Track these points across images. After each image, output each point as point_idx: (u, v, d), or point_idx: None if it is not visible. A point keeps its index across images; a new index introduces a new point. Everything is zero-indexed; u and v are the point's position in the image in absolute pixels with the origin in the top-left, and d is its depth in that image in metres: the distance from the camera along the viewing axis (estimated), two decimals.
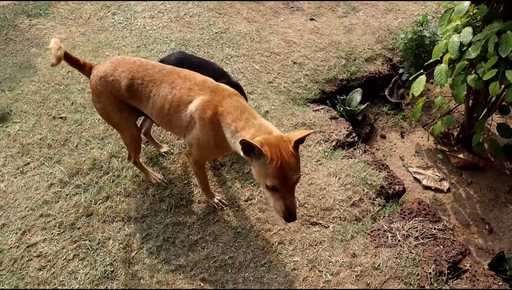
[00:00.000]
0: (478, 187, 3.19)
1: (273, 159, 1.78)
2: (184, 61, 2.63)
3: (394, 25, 4.12)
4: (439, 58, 2.64)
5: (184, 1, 4.47)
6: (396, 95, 3.73)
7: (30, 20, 4.38)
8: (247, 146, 1.81)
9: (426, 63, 2.88)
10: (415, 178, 3.24)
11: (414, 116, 3.13)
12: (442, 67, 2.58)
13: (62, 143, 3.10)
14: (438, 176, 3.22)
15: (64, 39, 4.08)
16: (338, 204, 2.70)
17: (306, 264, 2.42)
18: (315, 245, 2.51)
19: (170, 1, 4.48)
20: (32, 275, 2.42)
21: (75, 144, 3.07)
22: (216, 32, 4.04)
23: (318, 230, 2.58)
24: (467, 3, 2.37)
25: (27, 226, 2.64)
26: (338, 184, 2.80)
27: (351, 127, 3.19)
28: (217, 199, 2.66)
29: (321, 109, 3.33)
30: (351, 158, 2.99)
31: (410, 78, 2.96)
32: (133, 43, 3.96)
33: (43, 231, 2.61)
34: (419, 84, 2.73)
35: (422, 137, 3.53)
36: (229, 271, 2.40)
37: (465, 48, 2.41)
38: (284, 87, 3.47)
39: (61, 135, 3.14)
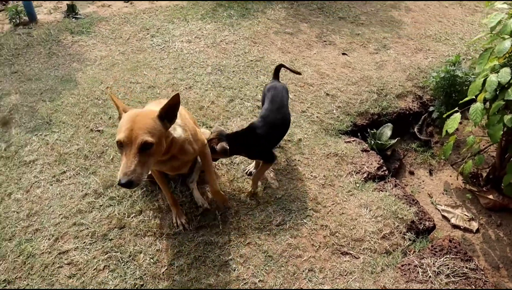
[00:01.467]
0: (508, 229, 3.16)
1: (124, 117, 2.04)
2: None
3: (424, 64, 4.21)
4: (473, 97, 2.69)
5: (221, 29, 4.63)
6: (425, 133, 3.77)
7: (72, 36, 4.57)
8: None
9: (460, 102, 2.92)
10: (443, 216, 3.23)
11: (444, 154, 3.15)
12: (478, 106, 2.63)
13: (98, 155, 3.17)
14: (467, 215, 3.21)
15: (104, 57, 4.24)
16: (368, 236, 2.70)
17: None
18: (345, 275, 2.50)
19: (207, 28, 4.65)
20: (62, 282, 2.44)
21: (111, 157, 3.14)
22: (251, 60, 4.17)
23: (348, 260, 2.57)
24: (508, 43, 2.44)
25: (60, 233, 2.68)
26: (369, 216, 2.81)
27: (382, 161, 3.21)
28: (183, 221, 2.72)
29: (353, 141, 3.38)
30: (381, 191, 3.00)
31: (444, 116, 3.00)
32: (171, 65, 4.09)
33: (76, 239, 2.65)
34: (454, 121, 2.77)
35: (450, 176, 3.54)
36: None
37: (500, 87, 2.46)
38: (317, 117, 3.54)
39: (98, 147, 3.22)
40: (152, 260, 2.53)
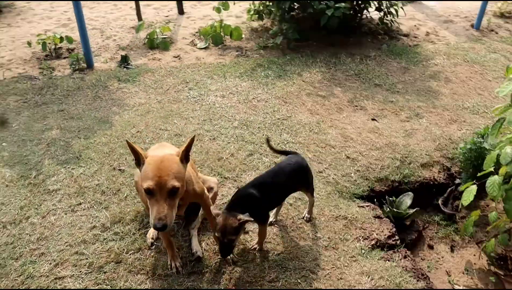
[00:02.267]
0: None
1: (150, 164, 2.15)
2: None
3: (456, 135, 4.06)
4: (492, 170, 2.54)
5: (255, 87, 4.82)
6: (450, 206, 3.55)
7: (119, 84, 4.98)
8: (135, 156, 2.27)
9: (479, 174, 2.76)
10: None
11: (466, 230, 2.94)
12: (495, 178, 2.47)
13: (114, 192, 3.31)
14: None
15: (142, 104, 4.55)
16: None
17: None
18: None
19: (242, 85, 4.87)
20: None
21: (125, 195, 3.27)
22: (278, 118, 4.26)
23: None
24: None
25: (61, 260, 2.76)
26: (369, 285, 2.63)
27: (394, 229, 3.05)
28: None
29: (367, 206, 3.26)
30: (388, 260, 2.83)
31: (461, 188, 2.84)
32: (200, 116, 4.29)
33: (74, 267, 2.72)
34: (469, 194, 2.60)
35: (474, 255, 3.25)
36: None
37: None
38: (333, 179, 3.48)
39: (116, 185, 3.37)
40: None
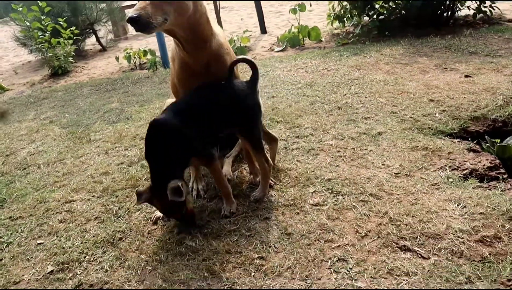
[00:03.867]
0: None
1: None
2: None
3: None
4: None
5: (326, 62, 4.33)
6: None
7: None
8: None
9: None
10: None
11: None
12: None
13: None
14: None
15: None
16: (453, 234, 1.69)
17: None
18: (398, 276, 1.54)
19: (312, 62, 4.41)
20: (51, 224, 2.14)
21: None
22: (349, 79, 3.66)
23: (409, 258, 1.60)
24: None
25: (78, 187, 2.46)
26: (460, 212, 1.80)
27: (498, 161, 2.18)
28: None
29: (457, 141, 2.43)
30: (490, 189, 1.96)
31: None
32: (260, 84, 3.88)
33: (87, 193, 2.38)
34: None
35: None
36: (252, 273, 1.62)
37: None
38: (411, 117, 2.73)
39: None
40: (144, 219, 2.04)
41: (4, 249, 2.03)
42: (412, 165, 2.18)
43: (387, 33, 5.30)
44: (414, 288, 1.47)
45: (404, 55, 4.26)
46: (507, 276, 1.49)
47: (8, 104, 4.73)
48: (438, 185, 2.01)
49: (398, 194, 1.96)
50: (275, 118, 2.96)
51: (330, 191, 2.04)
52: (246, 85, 2.03)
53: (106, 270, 1.74)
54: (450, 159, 2.22)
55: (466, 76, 3.43)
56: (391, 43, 4.80)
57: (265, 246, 1.74)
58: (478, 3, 5.46)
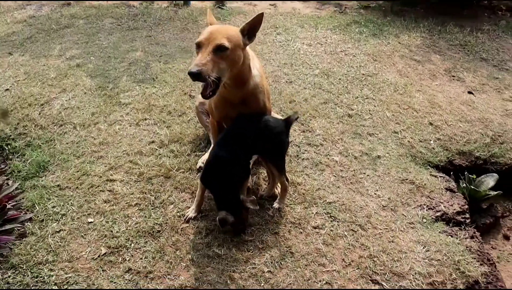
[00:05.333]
0: None
1: (210, 26, 2.20)
2: None
3: None
4: None
5: (346, 41, 4.51)
6: None
7: None
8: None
9: None
10: None
11: None
12: None
13: (179, 114, 3.32)
14: None
15: None
16: (412, 275, 2.23)
17: None
18: None
19: (333, 37, 4.58)
20: (97, 203, 2.58)
21: (189, 118, 3.26)
22: (363, 74, 3.94)
23: None
24: None
25: (116, 165, 2.85)
26: (423, 256, 2.33)
27: (467, 206, 2.67)
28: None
29: (440, 177, 2.89)
30: (451, 236, 2.48)
31: None
32: (282, 60, 4.12)
33: (125, 173, 2.78)
34: None
35: None
36: (262, 284, 2.16)
37: None
38: (409, 142, 3.14)
39: (182, 108, 3.38)
40: (178, 214, 2.51)
41: (60, 219, 2.50)
42: (398, 200, 2.66)
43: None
44: None
45: (420, 48, 4.47)
46: None
47: (29, 26, 4.83)
48: (414, 225, 2.52)
49: (381, 229, 2.47)
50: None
51: (329, 215, 2.52)
52: (283, 124, 2.41)
53: (149, 261, 2.25)
54: (430, 198, 2.69)
55: (469, 93, 3.76)
56: (410, 26, 4.93)
57: (273, 261, 2.26)
58: None
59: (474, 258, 2.34)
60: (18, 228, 2.46)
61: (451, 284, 2.22)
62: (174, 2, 5.46)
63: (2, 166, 2.96)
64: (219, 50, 2.04)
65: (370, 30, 4.79)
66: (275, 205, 2.54)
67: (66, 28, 4.77)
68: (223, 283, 2.15)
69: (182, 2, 5.49)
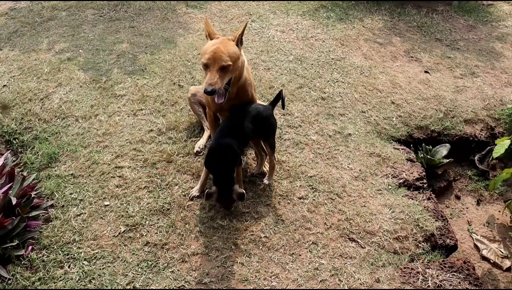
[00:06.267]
0: None
1: (210, 42, 2.60)
2: None
3: (509, 98, 4.01)
4: None
5: (315, 26, 4.91)
6: (486, 164, 3.62)
7: (186, 8, 5.24)
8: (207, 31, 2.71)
9: None
10: (475, 245, 3.11)
11: (495, 184, 3.04)
12: None
13: (172, 103, 3.68)
14: (502, 252, 3.05)
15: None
16: (382, 233, 2.77)
17: (330, 270, 2.54)
18: (345, 258, 2.62)
19: (303, 23, 4.97)
20: (110, 188, 2.95)
21: (181, 107, 3.62)
22: (332, 58, 4.38)
23: (353, 247, 2.68)
24: None
25: (121, 153, 3.21)
26: (389, 216, 2.87)
27: (424, 174, 3.21)
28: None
29: (402, 149, 3.41)
30: (412, 199, 3.02)
31: (497, 142, 2.91)
32: (258, 47, 4.49)
33: (131, 160, 3.15)
34: (502, 147, 2.70)
35: (499, 211, 3.37)
36: (260, 247, 2.63)
37: None
38: (374, 120, 3.64)
39: (174, 97, 3.73)
40: (183, 193, 2.92)
41: (78, 204, 2.87)
42: (367, 171, 3.17)
43: None
44: (353, 268, 2.56)
45: (382, 30, 4.94)
46: (404, 264, 2.62)
47: (12, 19, 4.96)
48: (381, 191, 3.04)
49: (354, 196, 2.97)
50: (271, 99, 3.72)
51: (310, 187, 3.00)
52: (270, 108, 2.90)
53: (164, 235, 2.68)
54: (393, 168, 3.22)
55: (425, 72, 4.28)
56: (373, 8, 5.38)
57: (268, 228, 2.73)
58: None
59: (431, 216, 2.90)
60: (43, 214, 2.81)
61: (412, 237, 2.77)
62: None
63: (14, 159, 3.26)
64: (223, 68, 2.50)
65: (336, 15, 5.21)
66: (265, 181, 2.99)
67: (50, 20, 4.93)
68: (228, 249, 2.61)
69: None
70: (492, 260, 3.01)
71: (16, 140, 3.38)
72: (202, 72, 2.69)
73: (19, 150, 3.35)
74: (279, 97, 2.93)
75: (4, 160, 3.05)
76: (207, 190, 2.69)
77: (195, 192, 2.91)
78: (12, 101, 3.69)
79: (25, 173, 3.12)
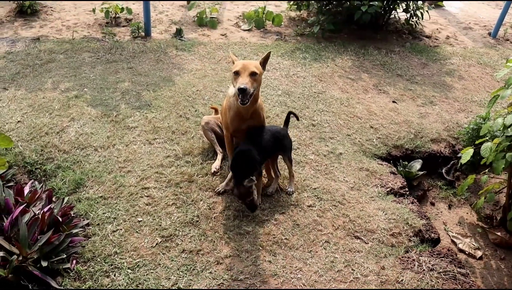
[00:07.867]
0: (510, 263, 3.57)
1: (239, 61, 3.11)
2: None
3: (463, 121, 4.81)
4: (487, 138, 3.30)
5: (295, 65, 5.59)
6: (452, 175, 4.32)
7: (176, 51, 5.76)
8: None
9: (477, 141, 3.52)
10: (452, 241, 3.71)
11: (462, 190, 3.70)
12: (489, 144, 3.23)
13: (182, 132, 4.11)
14: (474, 245, 3.67)
15: (199, 69, 5.33)
16: (380, 231, 3.29)
17: (343, 262, 3.01)
18: (354, 252, 3.11)
19: (284, 63, 5.64)
20: (141, 206, 3.29)
21: (192, 135, 4.06)
22: (315, 92, 5.03)
23: (359, 243, 3.18)
24: (509, 91, 3.10)
25: (145, 176, 3.56)
26: (384, 217, 3.41)
27: (405, 183, 3.83)
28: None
29: (385, 164, 4.03)
30: (399, 203, 3.60)
31: (462, 152, 3.58)
32: None
33: (155, 182, 3.51)
34: (467, 154, 3.36)
35: (467, 213, 4.02)
36: (282, 247, 3.06)
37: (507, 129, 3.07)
38: (359, 141, 4.26)
39: (183, 127, 4.17)
40: (208, 207, 3.32)
41: (113, 222, 3.18)
42: (360, 182, 3.73)
43: (333, 28, 6.62)
44: (362, 259, 3.05)
45: (352, 68, 5.71)
46: (402, 254, 3.15)
47: (12, 61, 5.23)
48: (373, 198, 3.60)
49: (353, 203, 3.51)
50: None
51: (316, 197, 3.51)
52: (285, 128, 3.49)
53: (197, 242, 3.04)
54: (380, 179, 3.81)
55: (393, 102, 5.02)
56: (341, 50, 6.18)
57: (286, 231, 3.18)
58: (409, 16, 6.99)
59: (416, 216, 3.48)
60: (81, 231, 3.10)
61: (405, 233, 3.31)
62: (134, 34, 6.15)
63: (40, 186, 3.51)
64: (253, 74, 3.01)
65: (311, 56, 5.95)
66: (289, 189, 3.51)
67: (49, 62, 5.25)
68: (256, 250, 3.02)
69: (143, 34, 6.20)
70: (467, 251, 3.61)
71: (39, 169, 3.64)
72: (231, 79, 3.15)
73: (43, 179, 3.60)
74: (289, 118, 3.50)
75: (32, 185, 3.33)
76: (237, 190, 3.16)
77: (221, 188, 3.46)
78: (29, 135, 3.95)
79: (54, 199, 3.39)
